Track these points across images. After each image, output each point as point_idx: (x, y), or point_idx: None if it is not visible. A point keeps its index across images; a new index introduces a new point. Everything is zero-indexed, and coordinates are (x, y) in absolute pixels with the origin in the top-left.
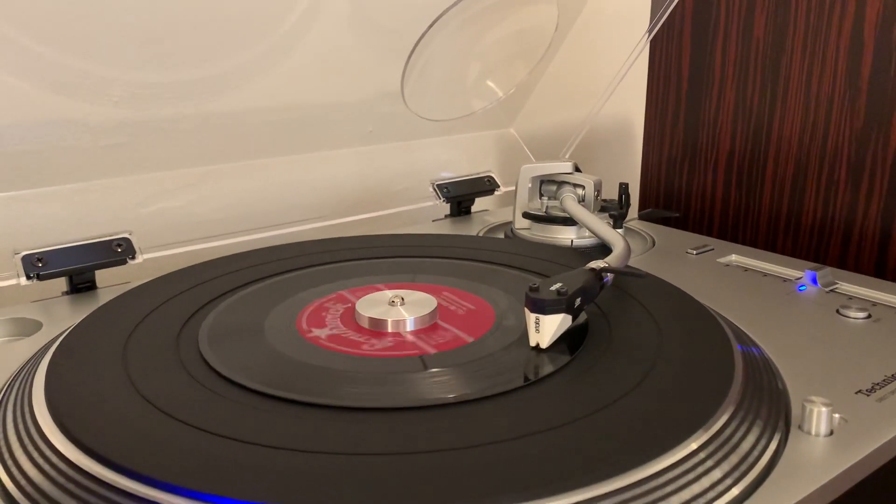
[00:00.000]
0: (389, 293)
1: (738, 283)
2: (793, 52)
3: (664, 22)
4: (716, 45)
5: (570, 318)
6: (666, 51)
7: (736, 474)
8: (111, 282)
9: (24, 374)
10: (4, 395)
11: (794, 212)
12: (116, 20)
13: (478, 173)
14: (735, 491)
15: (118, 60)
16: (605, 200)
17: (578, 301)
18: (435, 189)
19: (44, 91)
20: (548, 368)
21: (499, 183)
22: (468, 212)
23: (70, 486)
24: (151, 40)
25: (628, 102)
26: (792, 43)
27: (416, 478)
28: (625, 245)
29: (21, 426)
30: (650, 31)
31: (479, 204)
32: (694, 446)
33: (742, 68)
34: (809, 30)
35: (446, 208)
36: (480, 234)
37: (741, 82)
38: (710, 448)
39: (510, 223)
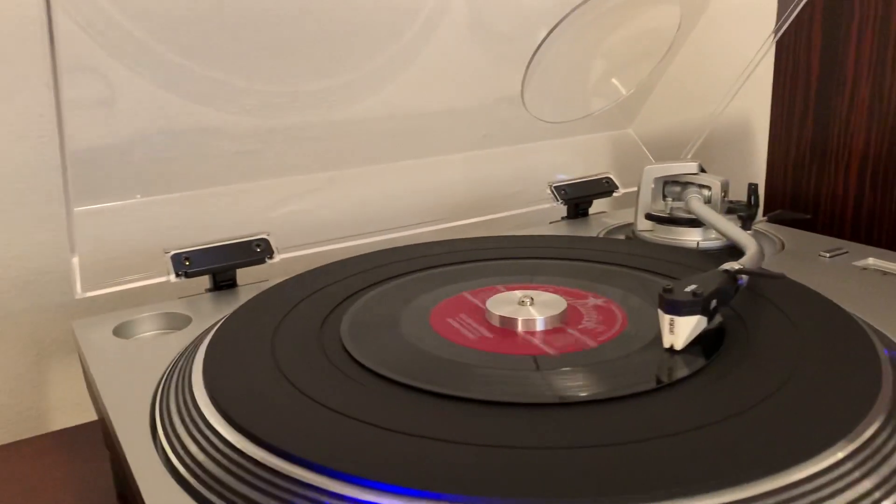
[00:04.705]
0: (519, 293)
1: (877, 286)
2: None
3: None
4: (849, 40)
5: (705, 320)
6: (794, 47)
7: (887, 486)
8: (246, 280)
9: (182, 364)
10: (165, 384)
11: None
12: (250, 35)
13: (596, 175)
14: None
15: (251, 72)
16: (731, 201)
17: (714, 303)
18: (552, 191)
19: (187, 101)
20: (682, 371)
21: (617, 184)
22: (585, 214)
23: (233, 468)
24: (281, 53)
25: (750, 101)
26: None
27: (542, 472)
28: (758, 246)
29: (185, 413)
30: (776, 31)
31: (596, 206)
32: (840, 455)
33: (878, 64)
34: None
35: (562, 210)
36: (600, 236)
37: (877, 79)
38: (859, 458)
39: (630, 225)
